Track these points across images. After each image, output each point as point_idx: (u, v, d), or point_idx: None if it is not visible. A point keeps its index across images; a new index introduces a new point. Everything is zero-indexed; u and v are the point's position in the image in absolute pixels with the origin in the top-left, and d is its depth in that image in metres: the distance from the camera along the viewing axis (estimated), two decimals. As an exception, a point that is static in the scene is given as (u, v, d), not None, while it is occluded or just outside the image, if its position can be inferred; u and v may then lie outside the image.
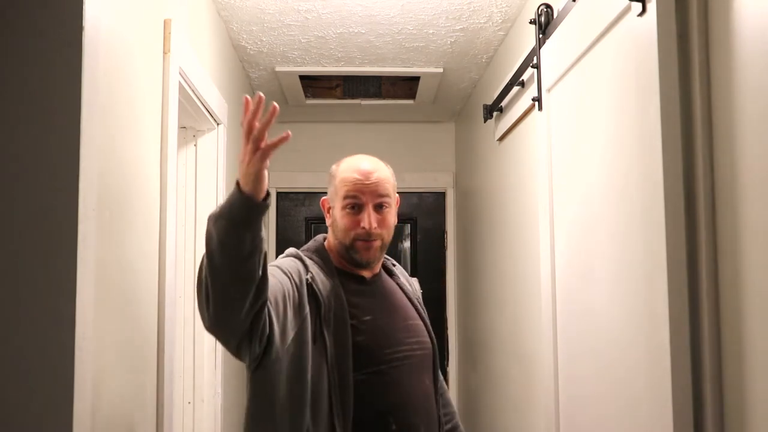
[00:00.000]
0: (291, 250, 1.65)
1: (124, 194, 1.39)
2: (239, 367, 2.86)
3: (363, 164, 1.63)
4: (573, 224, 1.62)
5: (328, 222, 1.68)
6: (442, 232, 4.03)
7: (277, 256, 1.67)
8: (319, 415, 1.45)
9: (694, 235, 1.10)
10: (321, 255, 1.64)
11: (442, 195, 4.04)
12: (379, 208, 1.61)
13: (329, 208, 1.68)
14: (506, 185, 2.62)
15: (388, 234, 1.65)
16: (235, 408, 2.73)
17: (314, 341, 1.48)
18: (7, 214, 1.10)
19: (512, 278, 2.51)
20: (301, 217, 4.00)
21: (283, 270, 1.51)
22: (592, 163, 1.48)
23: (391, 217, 1.65)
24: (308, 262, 1.58)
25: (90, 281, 1.14)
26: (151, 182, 1.59)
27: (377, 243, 1.62)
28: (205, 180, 2.30)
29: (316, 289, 1.52)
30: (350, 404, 1.46)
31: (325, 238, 1.71)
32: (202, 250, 1.30)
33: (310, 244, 1.70)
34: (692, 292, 1.09)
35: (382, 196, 1.61)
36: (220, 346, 2.29)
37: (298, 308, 1.48)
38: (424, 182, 3.95)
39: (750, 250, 0.99)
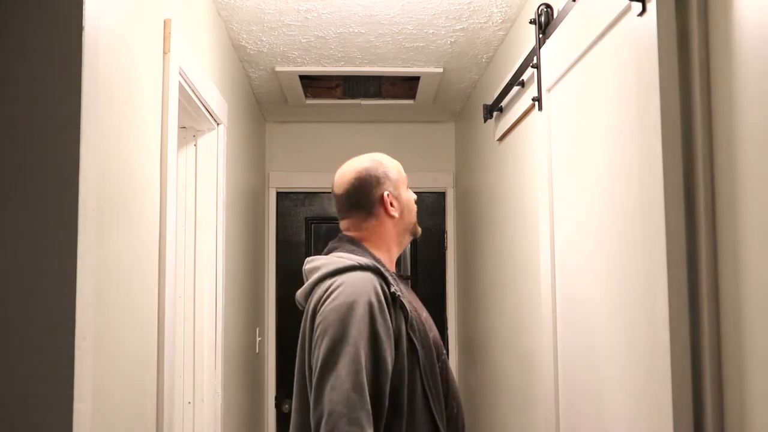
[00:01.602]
0: (364, 261, 1.61)
1: (124, 194, 1.39)
2: (239, 367, 2.87)
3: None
4: (573, 224, 1.62)
5: (395, 212, 1.73)
6: (442, 232, 4.03)
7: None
8: (416, 419, 1.54)
9: (694, 235, 1.10)
10: (380, 263, 1.66)
11: (442, 195, 4.04)
12: None
13: (392, 201, 1.74)
14: (506, 185, 2.62)
15: None
16: (235, 408, 2.73)
17: (408, 349, 1.56)
18: (7, 214, 1.10)
19: (512, 278, 2.51)
20: (301, 217, 3.99)
21: (381, 306, 1.53)
22: (592, 163, 1.48)
23: None
24: (385, 273, 1.61)
25: (90, 281, 1.14)
26: (151, 182, 1.59)
27: None
28: (205, 180, 2.31)
29: (405, 302, 1.60)
30: (442, 398, 1.59)
31: (366, 249, 1.70)
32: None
33: (367, 259, 1.64)
34: (692, 292, 1.09)
35: None
36: (220, 346, 2.30)
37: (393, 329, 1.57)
38: (424, 182, 3.95)
39: (750, 250, 0.99)
